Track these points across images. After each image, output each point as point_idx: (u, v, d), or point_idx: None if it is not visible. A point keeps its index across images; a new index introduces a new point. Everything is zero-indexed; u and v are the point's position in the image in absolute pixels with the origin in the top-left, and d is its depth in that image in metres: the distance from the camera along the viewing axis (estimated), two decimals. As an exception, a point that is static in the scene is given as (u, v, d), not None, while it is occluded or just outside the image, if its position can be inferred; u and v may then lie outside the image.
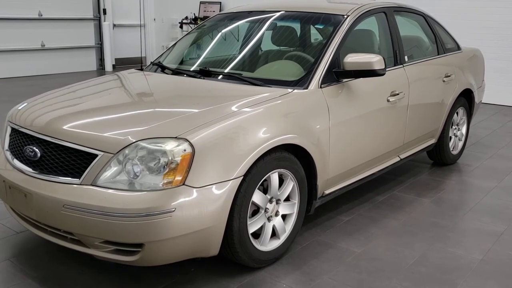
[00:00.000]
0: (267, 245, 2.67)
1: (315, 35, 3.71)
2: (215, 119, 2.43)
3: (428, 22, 4.31)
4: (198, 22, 10.59)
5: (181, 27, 11.18)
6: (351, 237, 3.09)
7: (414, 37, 4.19)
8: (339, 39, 3.15)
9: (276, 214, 2.72)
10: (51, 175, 2.40)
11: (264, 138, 2.48)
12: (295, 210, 2.80)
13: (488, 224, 3.33)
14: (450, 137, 4.48)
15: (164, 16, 11.60)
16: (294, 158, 2.70)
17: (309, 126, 2.76)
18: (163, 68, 3.52)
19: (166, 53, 3.88)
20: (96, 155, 2.30)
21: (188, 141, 2.27)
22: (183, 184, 2.23)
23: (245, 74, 3.15)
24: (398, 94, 3.49)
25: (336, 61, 3.07)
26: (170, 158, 2.23)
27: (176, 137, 2.29)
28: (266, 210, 2.64)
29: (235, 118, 2.47)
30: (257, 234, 2.64)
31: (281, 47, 3.75)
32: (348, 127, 3.04)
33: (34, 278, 2.57)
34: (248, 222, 2.51)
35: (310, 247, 2.95)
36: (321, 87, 2.94)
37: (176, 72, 3.40)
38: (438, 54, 4.26)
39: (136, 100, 2.89)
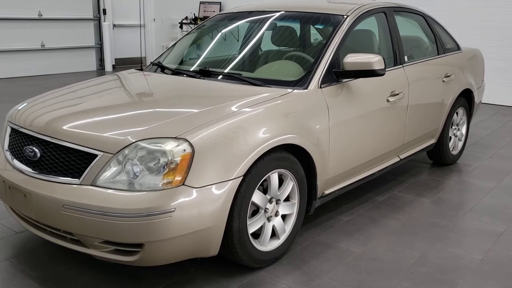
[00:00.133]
0: (267, 245, 2.67)
1: (315, 35, 3.71)
2: (215, 119, 2.43)
3: (428, 22, 4.31)
4: (198, 22, 10.59)
5: (181, 27, 11.18)
6: (351, 237, 3.09)
7: (414, 37, 4.19)
8: (339, 39, 3.15)
9: (276, 214, 2.72)
10: (50, 175, 2.40)
11: (264, 138, 2.48)
12: (295, 210, 2.80)
13: (488, 224, 3.33)
14: (450, 137, 4.48)
15: (164, 16, 11.60)
16: (294, 158, 2.70)
17: (309, 126, 2.76)
18: (163, 68, 3.52)
19: (166, 53, 3.88)
20: (96, 155, 2.30)
21: (188, 141, 2.27)
22: (183, 184, 2.23)
23: (245, 74, 3.15)
24: (398, 94, 3.49)
25: (336, 61, 3.07)
26: (169, 158, 2.23)
27: (175, 137, 2.29)
28: (266, 210, 2.64)
29: (235, 118, 2.47)
30: (257, 234, 2.63)
31: (281, 47, 3.75)
32: (348, 127, 3.04)
33: (34, 278, 2.57)
34: (248, 222, 2.51)
35: (310, 247, 2.95)
36: (321, 87, 2.94)
37: (176, 72, 3.40)
38: (438, 54, 4.26)
39: (136, 100, 2.89)
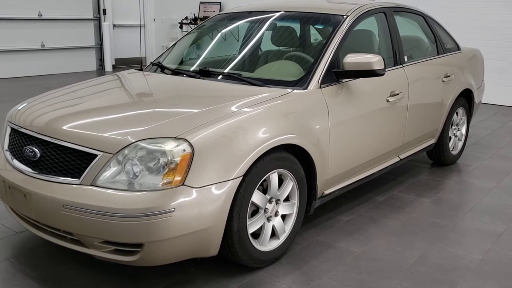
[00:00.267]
0: (267, 245, 2.67)
1: (314, 35, 3.71)
2: (214, 119, 2.43)
3: (428, 22, 4.31)
4: (198, 22, 10.59)
5: (181, 27, 11.18)
6: (351, 237, 3.09)
7: (413, 37, 4.19)
8: (338, 39, 3.15)
9: (276, 214, 2.72)
10: (50, 175, 2.40)
11: (264, 138, 2.48)
12: (295, 210, 2.80)
13: (488, 224, 3.33)
14: (450, 137, 4.48)
15: (164, 16, 11.60)
16: (294, 158, 2.70)
17: (308, 126, 2.76)
18: (162, 68, 3.52)
19: (166, 53, 3.88)
20: (96, 155, 2.30)
21: (188, 141, 2.27)
22: (183, 184, 2.23)
23: (245, 74, 3.15)
24: (397, 94, 3.49)
25: (335, 61, 3.07)
26: (169, 158, 2.23)
27: (175, 137, 2.29)
28: (265, 210, 2.64)
29: (235, 118, 2.47)
30: (256, 234, 2.64)
31: (281, 47, 3.75)
32: (348, 127, 3.04)
33: (34, 278, 2.57)
34: (248, 222, 2.51)
35: (310, 247, 2.95)
36: (320, 87, 2.94)
37: (175, 72, 3.40)
38: (437, 54, 4.26)
39: (135, 100, 2.89)
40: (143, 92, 3.03)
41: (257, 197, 2.54)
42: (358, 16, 3.38)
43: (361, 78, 3.13)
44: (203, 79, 3.16)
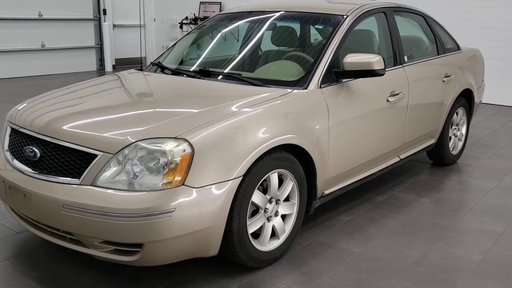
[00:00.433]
0: (267, 245, 2.67)
1: (314, 35, 3.71)
2: (214, 119, 2.43)
3: (428, 22, 4.31)
4: (198, 22, 10.59)
5: (181, 27, 11.18)
6: (350, 237, 3.09)
7: (413, 37, 4.19)
8: (338, 39, 3.15)
9: (276, 214, 2.72)
10: (50, 175, 2.40)
11: (264, 138, 2.48)
12: (295, 210, 2.80)
13: (488, 224, 3.33)
14: (450, 137, 4.48)
15: (164, 16, 11.60)
16: (294, 158, 2.70)
17: (308, 126, 2.76)
18: (162, 68, 3.52)
19: (166, 53, 3.88)
20: (96, 155, 2.30)
21: (188, 141, 2.27)
22: (183, 184, 2.23)
23: (245, 74, 3.15)
24: (397, 94, 3.49)
25: (335, 61, 3.07)
26: (169, 158, 2.23)
27: (175, 137, 2.29)
28: (265, 210, 2.64)
29: (235, 118, 2.47)
30: (256, 234, 2.64)
31: (281, 47, 3.75)
32: (348, 127, 3.04)
33: (34, 278, 2.58)
34: (248, 222, 2.51)
35: (310, 247, 2.95)
36: (320, 87, 2.94)
37: (175, 72, 3.40)
38: (437, 54, 4.26)
39: (135, 100, 2.89)
40: (143, 92, 3.03)
41: (257, 197, 2.54)
42: (358, 16, 3.38)
43: (361, 78, 3.13)
44: (203, 79, 3.16)
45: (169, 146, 2.26)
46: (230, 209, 2.36)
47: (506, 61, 7.37)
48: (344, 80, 3.08)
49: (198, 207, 2.23)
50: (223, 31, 3.87)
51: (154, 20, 11.66)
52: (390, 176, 4.22)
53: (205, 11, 10.84)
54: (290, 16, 3.58)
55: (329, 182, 3.02)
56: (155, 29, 11.69)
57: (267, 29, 3.65)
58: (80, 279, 2.57)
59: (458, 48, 4.62)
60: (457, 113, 4.52)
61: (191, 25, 10.87)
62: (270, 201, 2.66)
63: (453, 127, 4.52)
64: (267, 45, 3.72)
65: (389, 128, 3.48)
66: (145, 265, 2.30)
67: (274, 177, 2.62)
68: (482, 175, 4.31)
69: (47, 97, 3.06)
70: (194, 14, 11.04)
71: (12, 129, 2.78)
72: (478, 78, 4.82)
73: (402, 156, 3.80)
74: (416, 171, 4.40)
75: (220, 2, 10.64)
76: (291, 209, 2.79)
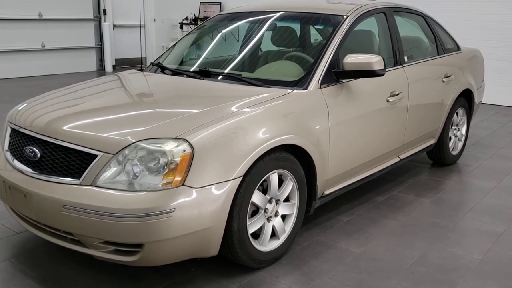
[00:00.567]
0: (267, 245, 2.67)
1: (314, 35, 3.71)
2: (214, 120, 2.43)
3: (428, 23, 4.31)
4: (198, 22, 10.59)
5: (181, 27, 11.18)
6: (350, 237, 3.09)
7: (413, 38, 4.19)
8: (338, 40, 3.15)
9: (276, 215, 2.72)
10: (50, 176, 2.40)
11: (264, 138, 2.48)
12: (295, 210, 2.81)
13: (488, 224, 3.33)
14: (450, 138, 4.48)
15: (164, 16, 11.60)
16: (294, 158, 2.70)
17: (308, 127, 2.77)
18: (163, 69, 3.52)
19: (166, 53, 3.88)
20: (96, 156, 2.30)
21: (188, 142, 2.27)
22: (183, 184, 2.23)
23: (245, 74, 3.16)
24: (397, 95, 3.49)
25: (335, 62, 3.07)
26: (169, 158, 2.23)
27: (175, 138, 2.29)
28: (265, 210, 2.64)
29: (235, 119, 2.47)
30: (256, 235, 2.64)
31: (281, 48, 3.75)
32: (348, 127, 3.05)
33: (34, 278, 2.58)
34: (248, 223, 2.51)
35: (310, 247, 2.95)
36: (320, 88, 2.94)
37: (176, 72, 3.40)
38: (437, 55, 4.26)
39: (136, 101, 2.90)
40: (143, 93, 3.03)
41: (257, 197, 2.54)
42: (358, 17, 3.38)
43: (361, 78, 3.14)
44: (203, 79, 3.16)
45: (169, 146, 2.26)
46: (230, 209, 2.36)
47: (506, 61, 7.37)
48: (344, 80, 3.08)
49: (198, 207, 2.23)
50: (223, 31, 3.87)
51: (154, 20, 11.66)
52: (390, 176, 4.22)
53: (205, 11, 10.84)
54: (290, 16, 3.58)
55: (329, 182, 3.02)
56: (155, 29, 11.70)
57: (267, 29, 3.65)
58: (80, 279, 2.57)
59: (458, 48, 4.62)
60: (457, 113, 4.52)
61: (191, 26, 10.87)
62: (270, 201, 2.66)
63: (453, 127, 4.52)
64: (267, 45, 3.72)
65: (389, 128, 3.48)
66: (145, 265, 2.30)
67: (274, 177, 2.63)
68: (482, 175, 4.31)
69: (47, 97, 3.06)
70: (194, 14, 11.04)
71: (12, 129, 2.78)
72: (478, 78, 4.82)
73: (402, 157, 3.80)
74: (416, 171, 4.40)
75: (220, 2, 10.65)
76: (291, 209, 2.79)
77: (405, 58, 3.78)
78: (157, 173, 2.23)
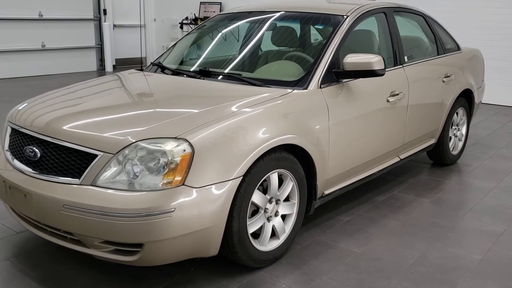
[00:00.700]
0: (267, 245, 2.68)
1: (315, 35, 3.71)
2: (214, 119, 2.44)
3: (428, 22, 4.31)
4: (198, 22, 10.59)
5: (181, 27, 11.18)
6: (350, 237, 3.09)
7: (413, 38, 4.19)
8: (338, 40, 3.15)
9: (276, 214, 2.72)
10: (51, 175, 2.40)
11: (264, 138, 2.48)
12: (295, 210, 2.81)
13: (488, 224, 3.33)
14: (450, 137, 4.48)
15: (164, 16, 11.60)
16: (294, 158, 2.70)
17: (308, 126, 2.77)
18: (163, 69, 3.52)
19: (166, 53, 3.88)
20: (96, 155, 2.30)
21: (188, 141, 2.27)
22: (183, 184, 2.23)
23: (245, 74, 3.16)
24: (397, 94, 3.49)
25: (335, 62, 3.07)
26: (169, 158, 2.23)
27: (175, 137, 2.29)
28: (265, 210, 2.64)
29: (235, 118, 2.47)
30: (256, 234, 2.64)
31: (281, 48, 3.75)
32: (348, 127, 3.05)
33: (34, 278, 2.58)
34: (248, 222, 2.51)
35: (310, 247, 2.95)
36: (320, 87, 2.94)
37: (176, 72, 3.41)
38: (438, 54, 4.26)
39: (136, 101, 2.90)
40: (143, 92, 3.03)
41: (257, 197, 2.55)
42: (358, 16, 3.38)
43: (361, 78, 3.14)
44: (203, 79, 3.16)
45: (169, 146, 2.26)
46: (230, 209, 2.36)
47: (506, 61, 7.37)
48: (344, 80, 3.08)
49: (198, 207, 2.23)
50: (223, 31, 3.87)
51: (154, 20, 11.66)
52: (390, 176, 4.22)
53: (205, 11, 10.84)
54: (290, 16, 3.58)
55: (329, 182, 3.02)
56: (155, 29, 11.70)
57: (267, 29, 3.65)
58: (80, 279, 2.57)
59: (458, 48, 4.62)
60: (457, 113, 4.52)
61: (191, 25, 10.87)
62: (270, 201, 2.66)
63: (453, 127, 4.52)
64: (267, 45, 3.73)
65: (389, 128, 3.48)
66: (145, 265, 2.31)
67: (274, 177, 2.63)
68: (482, 175, 4.31)
69: (47, 97, 3.06)
70: (194, 14, 11.04)
71: (13, 129, 2.78)
72: (478, 78, 4.82)
73: (402, 156, 3.80)
74: (416, 171, 4.40)
75: (220, 2, 10.65)
76: (291, 209, 2.80)
77: (405, 58, 3.78)
78: (157, 173, 2.23)
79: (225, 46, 3.81)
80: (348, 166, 3.15)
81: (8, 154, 2.71)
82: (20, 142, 2.65)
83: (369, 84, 3.25)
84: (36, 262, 2.73)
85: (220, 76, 3.18)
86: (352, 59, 2.95)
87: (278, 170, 2.62)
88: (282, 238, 2.76)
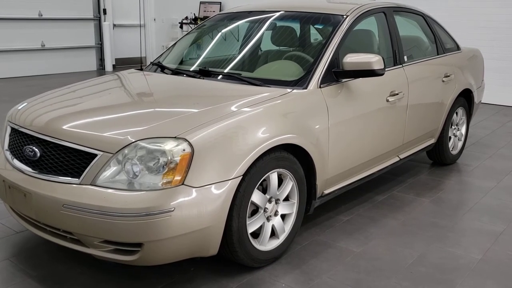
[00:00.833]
0: (266, 244, 2.68)
1: (314, 35, 3.71)
2: (214, 119, 2.44)
3: (428, 22, 4.31)
4: (198, 22, 10.60)
5: (181, 27, 11.19)
6: (350, 236, 3.09)
7: (413, 37, 4.19)
8: (338, 39, 3.15)
9: (275, 214, 2.72)
10: (50, 175, 2.40)
11: (263, 138, 2.48)
12: (294, 210, 2.81)
13: (488, 224, 3.33)
14: (450, 137, 4.48)
15: (164, 16, 11.60)
16: (293, 158, 2.70)
17: (308, 126, 2.77)
18: (162, 68, 3.52)
19: (166, 53, 3.88)
20: (96, 155, 2.31)
21: (187, 141, 2.28)
22: (182, 183, 2.23)
23: (245, 74, 3.16)
24: (397, 94, 3.49)
25: (335, 61, 3.07)
26: (169, 158, 2.23)
27: (175, 137, 2.29)
28: (265, 209, 2.64)
29: (235, 118, 2.47)
30: (256, 234, 2.64)
31: (281, 47, 3.75)
32: (348, 127, 3.05)
33: (34, 277, 2.58)
34: (247, 222, 2.51)
35: (309, 246, 2.95)
36: (320, 87, 2.95)
37: (175, 72, 3.41)
38: (437, 54, 4.26)
39: (135, 100, 2.90)
40: (143, 92, 3.03)
41: (256, 196, 2.55)
42: (358, 16, 3.38)
43: (360, 78, 3.14)
44: (203, 79, 3.16)
45: (168, 145, 2.26)
46: (230, 209, 2.36)
47: (506, 61, 7.38)
48: (343, 80, 3.08)
49: (197, 207, 2.23)
50: (223, 31, 3.88)
51: (154, 20, 11.66)
52: (390, 176, 4.22)
53: (205, 11, 10.84)
54: (290, 16, 3.58)
55: (328, 182, 3.02)
56: (155, 29, 11.70)
57: (267, 29, 3.65)
58: (80, 278, 2.58)
59: (458, 48, 4.63)
60: (456, 113, 4.52)
61: (191, 25, 10.87)
62: (269, 201, 2.66)
63: (453, 127, 4.52)
64: (267, 45, 3.73)
65: (388, 128, 3.48)
66: (145, 264, 2.31)
67: (273, 177, 2.63)
68: (482, 175, 4.31)
69: (47, 97, 3.06)
70: (194, 14, 11.04)
71: (12, 128, 2.78)
72: (478, 78, 4.83)
73: (402, 156, 3.80)
74: (416, 171, 4.41)
75: (220, 2, 10.65)
76: (290, 208, 2.80)
77: (405, 57, 3.78)
78: (157, 172, 2.23)
79: (225, 45, 3.81)
80: (348, 166, 3.15)
81: (8, 154, 2.71)
82: (20, 141, 2.65)
83: (368, 84, 3.25)
84: (36, 261, 2.74)
85: (220, 76, 3.18)
86: (352, 59, 2.95)
87: (278, 169, 2.62)
88: (282, 237, 2.76)
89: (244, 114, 2.52)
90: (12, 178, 2.53)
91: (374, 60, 2.92)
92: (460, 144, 4.67)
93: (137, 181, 2.24)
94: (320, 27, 3.51)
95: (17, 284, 2.51)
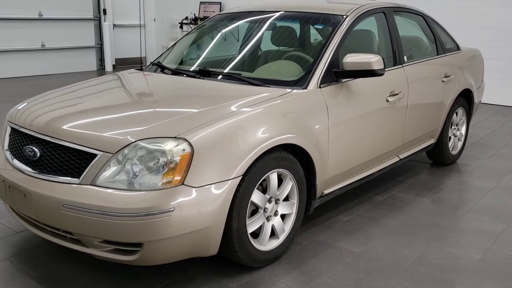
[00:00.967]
0: (266, 244, 2.68)
1: (314, 35, 3.71)
2: (214, 119, 2.44)
3: (428, 22, 4.31)
4: (198, 22, 10.60)
5: (181, 27, 11.18)
6: (350, 237, 3.10)
7: (413, 37, 4.19)
8: (338, 39, 3.16)
9: (275, 214, 2.72)
10: (50, 175, 2.41)
11: (263, 138, 2.48)
12: (294, 210, 2.81)
13: (487, 224, 3.33)
14: (450, 137, 4.48)
15: (164, 16, 11.60)
16: (293, 158, 2.70)
17: (308, 126, 2.77)
18: (162, 68, 3.52)
19: (166, 53, 3.88)
20: (96, 155, 2.31)
21: (187, 141, 2.28)
22: (182, 183, 2.23)
23: (245, 74, 3.16)
24: (397, 94, 3.49)
25: (335, 61, 3.07)
26: (169, 158, 2.23)
27: (175, 137, 2.29)
28: (265, 209, 2.64)
29: (234, 118, 2.48)
30: (256, 234, 2.64)
31: (281, 47, 3.75)
32: (347, 127, 3.05)
33: (34, 277, 2.58)
34: (247, 222, 2.51)
35: (309, 246, 2.95)
36: (320, 87, 2.95)
37: (175, 72, 3.41)
38: (437, 54, 4.26)
39: (135, 100, 2.90)
40: (143, 92, 3.03)
41: (256, 196, 2.55)
42: (358, 16, 3.38)
43: (360, 78, 3.14)
44: (203, 79, 3.16)
45: (168, 145, 2.26)
46: (230, 209, 2.36)
47: (506, 61, 7.38)
48: (343, 80, 3.08)
49: (197, 207, 2.24)
50: (223, 31, 3.88)
51: (154, 20, 11.66)
52: (390, 176, 4.23)
53: (205, 11, 10.84)
54: (290, 16, 3.58)
55: (328, 182, 3.03)
56: (155, 29, 11.70)
57: (267, 29, 3.65)
58: (80, 278, 2.58)
59: (457, 48, 4.63)
60: (456, 113, 4.52)
61: (191, 25, 10.87)
62: (269, 201, 2.66)
63: (453, 127, 4.52)
64: (267, 45, 3.73)
65: (388, 128, 3.48)
66: (144, 264, 2.31)
67: (273, 177, 2.63)
68: (482, 175, 4.31)
69: (47, 97, 3.06)
70: (194, 14, 11.04)
71: (12, 128, 2.79)
72: (478, 78, 4.83)
73: (402, 156, 3.81)
74: (416, 171, 4.41)
75: (220, 2, 10.65)
76: (290, 208, 2.80)
77: (405, 57, 3.78)
78: (157, 172, 2.23)
79: (225, 46, 3.81)
80: (348, 166, 3.15)
81: (8, 154, 2.71)
82: (20, 141, 2.65)
83: (368, 84, 3.25)
84: (35, 261, 2.74)
85: (220, 76, 3.18)
86: (352, 59, 2.95)
87: (278, 169, 2.62)
88: (282, 237, 2.76)
89: (244, 114, 2.52)
90: (12, 178, 2.53)
91: (374, 60, 2.92)
92: (460, 144, 4.68)
93: (137, 181, 2.24)
94: (320, 27, 3.51)
95: (17, 284, 2.51)
